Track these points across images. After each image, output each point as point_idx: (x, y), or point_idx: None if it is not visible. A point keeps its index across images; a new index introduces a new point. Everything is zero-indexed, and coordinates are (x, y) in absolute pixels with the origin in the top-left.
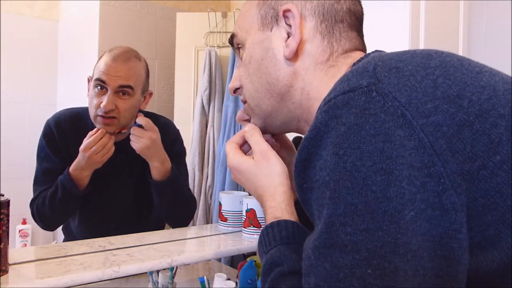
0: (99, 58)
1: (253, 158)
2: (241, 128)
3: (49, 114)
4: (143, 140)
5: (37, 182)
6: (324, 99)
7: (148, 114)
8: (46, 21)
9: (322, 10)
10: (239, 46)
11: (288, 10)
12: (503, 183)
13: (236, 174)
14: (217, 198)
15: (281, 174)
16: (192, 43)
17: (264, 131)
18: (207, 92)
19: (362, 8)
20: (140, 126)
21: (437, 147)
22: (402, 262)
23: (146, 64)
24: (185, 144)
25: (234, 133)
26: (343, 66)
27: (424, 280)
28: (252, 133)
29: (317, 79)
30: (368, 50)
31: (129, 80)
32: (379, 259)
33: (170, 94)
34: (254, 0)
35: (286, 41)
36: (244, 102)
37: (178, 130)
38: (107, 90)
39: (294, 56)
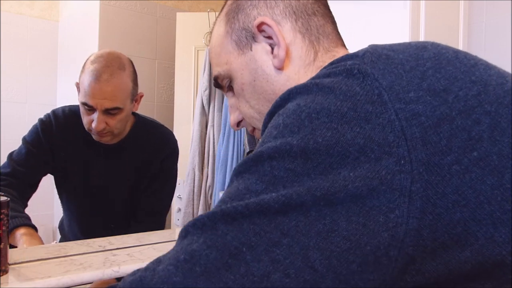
0: (83, 66)
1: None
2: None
3: None
4: None
5: (11, 156)
6: None
7: (148, 122)
8: (46, 21)
9: (291, 10)
10: (228, 82)
11: (262, 23)
12: (476, 179)
13: None
14: (217, 198)
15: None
16: (192, 43)
17: None
18: (207, 92)
19: None
20: None
21: (408, 132)
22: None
23: (133, 68)
24: (185, 144)
25: (234, 133)
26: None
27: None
28: None
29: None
30: None
31: (115, 101)
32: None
33: (170, 94)
34: (220, 34)
35: (271, 52)
36: (253, 130)
37: (177, 146)
38: (95, 109)
39: (283, 64)
